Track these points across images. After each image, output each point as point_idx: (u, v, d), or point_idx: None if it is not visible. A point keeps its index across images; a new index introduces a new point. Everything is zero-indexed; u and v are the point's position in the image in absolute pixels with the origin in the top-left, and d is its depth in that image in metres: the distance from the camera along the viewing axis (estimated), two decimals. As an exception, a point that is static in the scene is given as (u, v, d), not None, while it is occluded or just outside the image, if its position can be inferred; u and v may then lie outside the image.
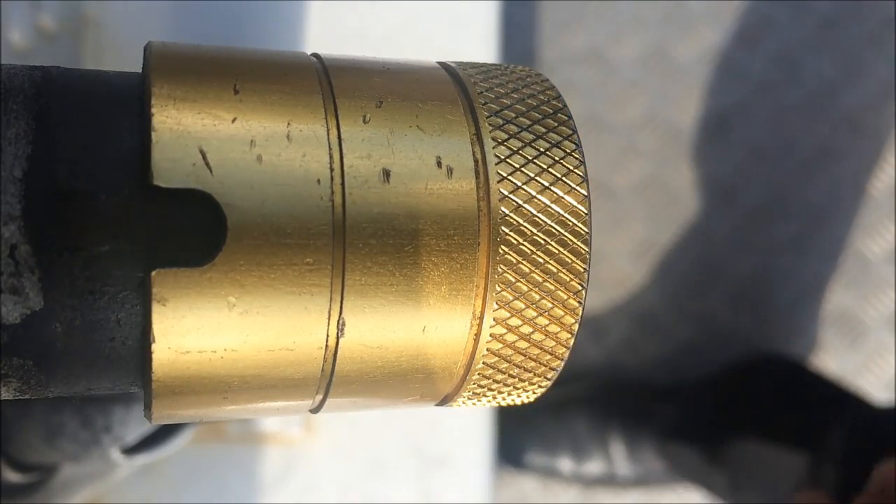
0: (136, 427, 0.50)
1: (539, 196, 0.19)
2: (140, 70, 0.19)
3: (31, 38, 0.57)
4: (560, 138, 0.20)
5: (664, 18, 0.94)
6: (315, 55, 0.20)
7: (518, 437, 1.09)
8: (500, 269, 0.19)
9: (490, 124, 0.20)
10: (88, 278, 0.17)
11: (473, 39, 0.57)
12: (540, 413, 1.06)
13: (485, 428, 0.57)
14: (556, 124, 0.20)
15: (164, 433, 0.56)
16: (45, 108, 0.17)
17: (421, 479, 0.56)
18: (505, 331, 0.20)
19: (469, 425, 0.56)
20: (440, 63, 0.22)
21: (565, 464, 1.08)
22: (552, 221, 0.20)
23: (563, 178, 0.20)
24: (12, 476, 0.52)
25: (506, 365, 0.20)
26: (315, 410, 0.20)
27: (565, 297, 0.20)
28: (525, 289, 0.19)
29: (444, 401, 0.22)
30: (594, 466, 1.08)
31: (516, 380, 0.21)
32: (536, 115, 0.20)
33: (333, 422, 0.56)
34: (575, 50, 0.93)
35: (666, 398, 1.03)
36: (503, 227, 0.19)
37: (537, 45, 0.92)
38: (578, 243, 0.20)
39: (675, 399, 1.01)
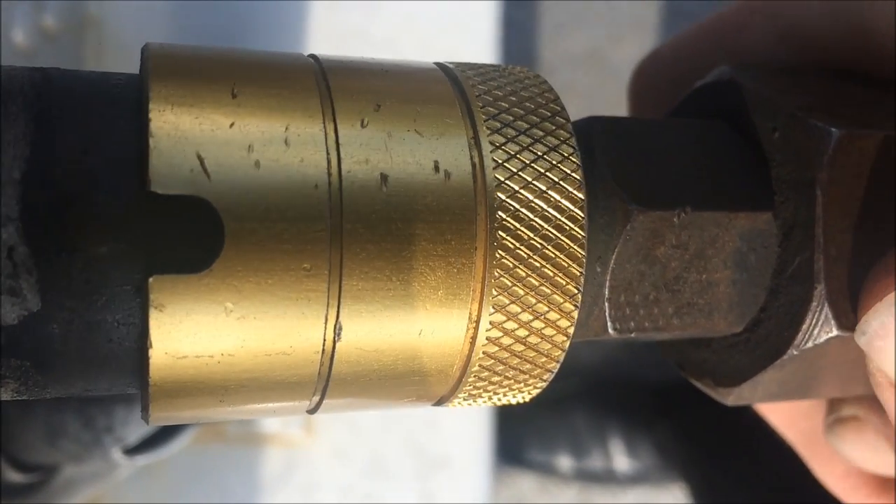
0: (137, 427, 0.50)
1: (536, 200, 0.19)
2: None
3: (33, 38, 0.57)
4: (558, 142, 0.20)
5: (663, 20, 0.94)
6: (313, 56, 0.20)
7: (517, 434, 1.09)
8: (496, 273, 0.19)
9: (488, 128, 0.20)
10: (86, 280, 0.17)
11: (472, 40, 0.57)
12: (538, 409, 1.07)
13: (483, 428, 0.57)
14: (553, 127, 0.20)
15: (164, 434, 0.56)
16: (44, 110, 0.17)
17: (420, 480, 0.56)
18: (501, 334, 0.20)
19: (468, 426, 0.56)
20: (438, 64, 0.22)
21: (564, 461, 1.09)
22: (549, 226, 0.20)
23: (561, 182, 0.20)
24: (14, 476, 0.53)
25: (502, 367, 0.21)
26: (312, 411, 0.20)
27: (561, 300, 0.20)
28: (521, 293, 0.20)
29: (441, 401, 0.22)
30: (593, 463, 1.08)
31: (512, 381, 0.21)
32: (534, 118, 0.20)
33: (333, 422, 0.56)
34: (574, 51, 0.93)
35: (663, 395, 1.03)
36: (500, 232, 0.19)
37: (536, 46, 0.92)
38: (575, 247, 0.20)
39: (672, 396, 1.01)
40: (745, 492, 0.84)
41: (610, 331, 0.23)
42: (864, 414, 0.27)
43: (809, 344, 0.22)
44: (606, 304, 0.22)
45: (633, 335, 0.23)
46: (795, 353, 0.22)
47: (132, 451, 0.54)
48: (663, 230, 0.22)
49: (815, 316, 0.22)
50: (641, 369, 1.07)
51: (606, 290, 0.22)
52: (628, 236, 0.21)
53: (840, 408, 0.28)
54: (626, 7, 0.96)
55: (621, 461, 1.06)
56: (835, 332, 0.22)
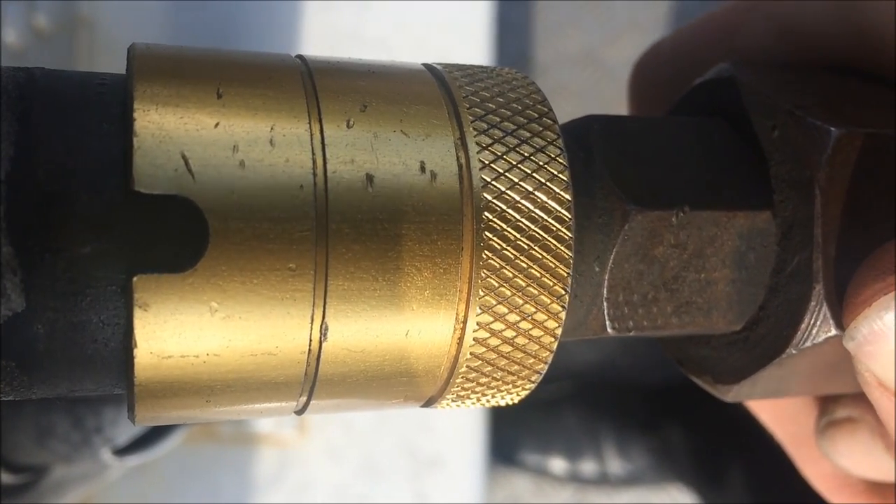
0: (127, 428, 0.50)
1: (523, 201, 0.19)
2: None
3: (25, 38, 0.57)
4: (544, 143, 0.20)
5: (659, 20, 0.94)
6: (300, 57, 0.20)
7: (511, 435, 1.10)
8: (483, 274, 0.19)
9: (474, 128, 0.20)
10: (70, 280, 0.17)
11: (467, 41, 0.57)
12: (532, 411, 1.07)
13: (478, 428, 0.57)
14: (540, 128, 0.20)
15: (155, 434, 0.56)
16: (28, 110, 0.17)
17: (414, 480, 0.56)
18: (488, 335, 0.20)
19: (462, 426, 0.56)
20: (425, 65, 0.22)
21: (558, 463, 1.09)
22: (536, 227, 0.20)
23: (547, 183, 0.20)
24: (3, 477, 0.52)
25: (489, 368, 0.21)
26: (299, 412, 0.20)
27: (549, 301, 0.20)
28: (508, 293, 0.20)
29: (429, 402, 0.22)
30: (586, 465, 1.08)
31: (500, 382, 0.21)
32: (521, 119, 0.20)
33: (326, 423, 0.56)
34: (569, 52, 0.93)
35: (655, 398, 1.03)
36: (486, 232, 0.19)
37: (531, 46, 0.92)
38: (562, 248, 0.20)
39: (664, 399, 1.02)
40: (738, 492, 0.85)
41: (609, 329, 0.22)
42: (859, 414, 0.27)
43: (808, 343, 0.22)
44: (605, 303, 0.22)
45: (631, 334, 0.23)
46: (794, 351, 0.22)
47: (122, 451, 0.54)
48: (661, 230, 0.22)
49: (814, 315, 0.22)
50: (635, 372, 1.07)
51: (605, 289, 0.22)
52: (626, 236, 0.21)
53: (834, 409, 0.27)
54: (622, 7, 0.96)
55: (614, 464, 1.06)
56: (833, 332, 0.22)
